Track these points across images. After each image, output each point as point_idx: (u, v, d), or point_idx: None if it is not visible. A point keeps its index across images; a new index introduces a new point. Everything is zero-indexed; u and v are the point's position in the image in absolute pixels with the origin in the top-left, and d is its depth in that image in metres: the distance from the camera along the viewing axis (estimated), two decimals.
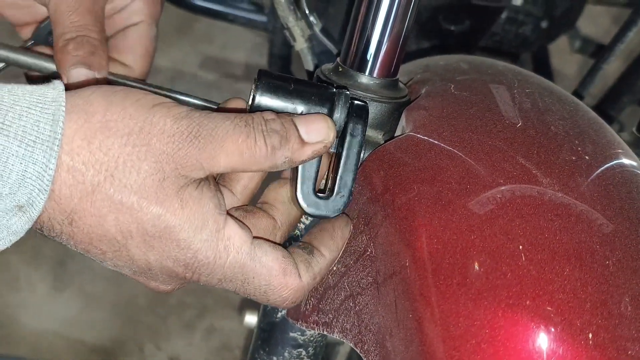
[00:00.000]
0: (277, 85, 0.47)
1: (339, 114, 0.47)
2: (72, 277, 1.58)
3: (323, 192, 0.51)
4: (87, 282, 1.58)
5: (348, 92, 0.48)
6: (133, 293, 1.58)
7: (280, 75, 0.48)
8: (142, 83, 0.51)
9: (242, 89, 2.14)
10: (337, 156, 0.49)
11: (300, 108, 0.47)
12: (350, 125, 0.47)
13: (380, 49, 0.52)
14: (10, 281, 1.55)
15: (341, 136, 0.48)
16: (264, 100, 0.46)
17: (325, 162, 0.50)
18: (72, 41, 0.50)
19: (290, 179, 0.49)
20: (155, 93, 0.45)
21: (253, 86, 0.47)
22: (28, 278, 1.56)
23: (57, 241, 0.42)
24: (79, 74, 0.49)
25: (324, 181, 0.53)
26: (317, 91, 0.48)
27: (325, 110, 0.47)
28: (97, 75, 0.50)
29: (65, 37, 0.50)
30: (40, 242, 1.63)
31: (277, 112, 0.46)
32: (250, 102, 0.47)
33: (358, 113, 0.48)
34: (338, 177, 0.48)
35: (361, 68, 0.52)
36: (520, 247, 0.40)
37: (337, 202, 0.48)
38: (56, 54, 0.50)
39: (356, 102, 0.48)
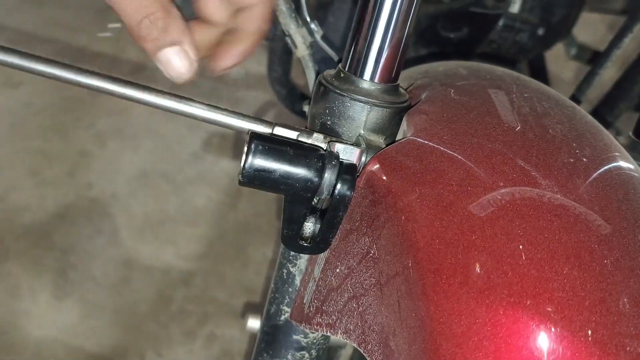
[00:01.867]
0: (268, 148, 0.49)
1: (329, 175, 0.49)
2: (73, 285, 1.59)
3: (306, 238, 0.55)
4: (88, 290, 1.58)
5: (337, 153, 0.51)
6: (134, 301, 1.58)
7: (271, 138, 0.50)
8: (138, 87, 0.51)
9: (241, 98, 2.15)
10: (325, 210, 0.52)
11: (292, 169, 0.49)
12: (338, 187, 0.50)
13: (381, 55, 0.53)
14: (12, 289, 1.56)
15: (331, 195, 0.51)
16: (257, 162, 0.48)
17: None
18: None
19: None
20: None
21: (245, 149, 0.48)
22: (29, 286, 1.57)
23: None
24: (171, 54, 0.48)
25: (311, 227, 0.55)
26: (308, 153, 0.50)
27: (314, 171, 0.49)
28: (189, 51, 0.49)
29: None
30: (42, 251, 1.64)
31: (271, 172, 0.48)
32: (242, 165, 0.48)
33: (346, 172, 0.50)
34: (322, 231, 0.53)
35: (362, 74, 0.53)
36: (521, 247, 0.41)
37: (318, 249, 0.54)
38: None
39: (345, 162, 0.51)
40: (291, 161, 0.49)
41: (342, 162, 0.50)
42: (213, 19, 0.54)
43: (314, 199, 0.52)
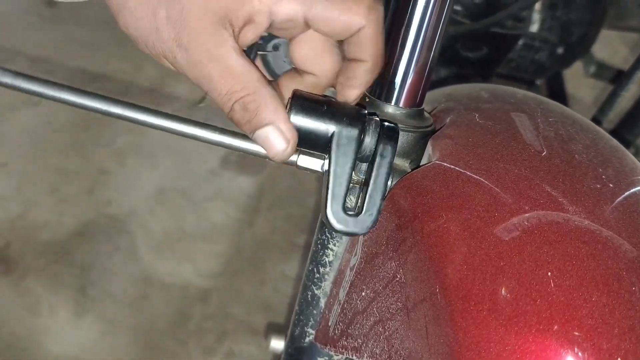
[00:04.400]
0: (310, 106, 0.48)
1: (370, 138, 0.49)
2: (93, 302, 1.60)
3: (352, 209, 0.53)
4: (108, 307, 1.59)
5: (378, 118, 0.50)
6: (153, 318, 1.59)
7: (313, 96, 0.50)
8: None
9: None
10: (367, 174, 0.50)
11: (332, 128, 0.48)
12: (381, 146, 0.49)
13: (407, 80, 0.53)
14: (32, 306, 1.57)
15: (370, 162, 0.50)
16: (297, 120, 0.48)
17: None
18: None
19: (321, 196, 0.51)
20: None
21: (287, 106, 0.48)
22: (49, 303, 1.58)
23: None
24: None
25: (353, 199, 0.55)
26: (349, 112, 0.49)
27: (356, 131, 0.49)
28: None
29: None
30: (61, 268, 1.65)
31: (311, 131, 0.48)
32: None
33: (388, 135, 0.49)
34: (367, 196, 0.50)
35: (388, 98, 0.54)
36: (549, 273, 0.41)
37: (365, 220, 0.50)
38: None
39: (386, 124, 0.50)
40: (333, 118, 0.48)
41: (383, 123, 0.50)
42: (318, 74, 0.52)
43: (354, 175, 0.51)
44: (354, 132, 0.48)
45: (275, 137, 0.47)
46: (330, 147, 0.49)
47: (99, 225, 1.79)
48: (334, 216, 0.50)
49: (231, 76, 0.45)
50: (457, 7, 1.05)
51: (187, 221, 1.84)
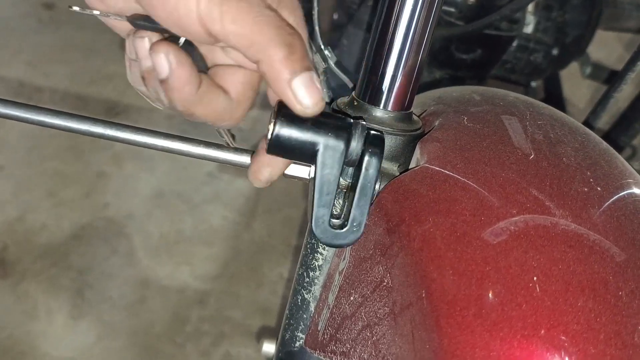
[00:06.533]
0: (296, 118, 0.48)
1: (356, 144, 0.48)
2: (90, 306, 1.60)
3: (338, 217, 0.52)
4: (105, 311, 1.59)
5: (364, 123, 0.49)
6: (150, 321, 1.58)
7: None
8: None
9: (258, 117, 2.16)
10: (352, 186, 0.50)
11: (318, 139, 0.48)
12: (366, 159, 0.48)
13: (395, 83, 0.53)
14: (29, 310, 1.57)
15: (357, 167, 0.49)
16: (283, 131, 0.47)
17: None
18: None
19: (308, 206, 0.50)
20: None
21: (273, 118, 0.48)
22: (46, 307, 1.58)
23: None
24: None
25: (341, 202, 0.54)
26: (334, 122, 0.48)
27: (342, 141, 0.48)
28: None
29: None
30: (59, 271, 1.65)
31: (296, 143, 0.47)
32: (270, 133, 0.48)
33: (374, 143, 0.48)
34: (352, 210, 0.49)
35: (376, 101, 0.54)
36: (535, 278, 0.40)
37: (350, 234, 0.50)
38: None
39: (372, 132, 0.49)
40: (318, 129, 0.47)
41: (369, 130, 0.49)
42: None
43: (341, 179, 0.50)
44: (340, 143, 0.48)
45: (315, 85, 0.46)
46: (316, 159, 0.48)
47: (96, 229, 1.79)
48: (320, 231, 0.49)
49: (282, 20, 0.46)
50: (451, 9, 1.05)
51: (184, 224, 1.84)
